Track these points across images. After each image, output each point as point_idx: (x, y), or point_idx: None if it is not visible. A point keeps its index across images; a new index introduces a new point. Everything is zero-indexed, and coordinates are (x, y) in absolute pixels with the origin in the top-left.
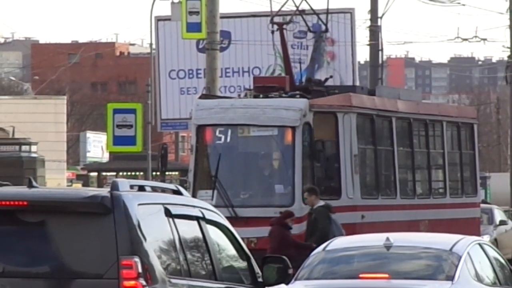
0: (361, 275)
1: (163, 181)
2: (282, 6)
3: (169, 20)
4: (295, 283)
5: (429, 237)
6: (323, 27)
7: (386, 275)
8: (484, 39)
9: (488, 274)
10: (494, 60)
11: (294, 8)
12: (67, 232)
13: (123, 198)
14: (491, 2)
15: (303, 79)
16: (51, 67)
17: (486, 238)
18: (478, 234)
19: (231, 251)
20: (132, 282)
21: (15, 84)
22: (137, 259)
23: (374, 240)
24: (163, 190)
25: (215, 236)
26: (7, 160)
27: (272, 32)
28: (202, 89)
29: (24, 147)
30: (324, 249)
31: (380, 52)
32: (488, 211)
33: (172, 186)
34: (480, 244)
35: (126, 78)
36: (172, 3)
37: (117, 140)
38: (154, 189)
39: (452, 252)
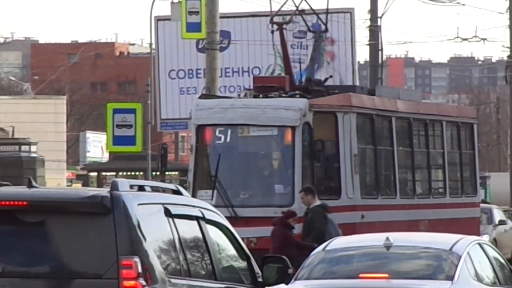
0: (361, 275)
1: (163, 181)
2: (282, 6)
3: (169, 20)
4: (295, 283)
5: (429, 237)
6: (323, 27)
7: (386, 275)
8: (484, 39)
9: (488, 274)
10: (494, 60)
11: (294, 8)
12: (67, 232)
13: (123, 198)
14: (491, 2)
15: (303, 79)
16: (50, 67)
17: (485, 238)
18: (478, 234)
19: (231, 251)
20: (132, 282)
21: (15, 84)
22: (137, 259)
23: (374, 240)
24: (163, 190)
25: (215, 236)
26: (6, 160)
27: (272, 32)
28: (202, 89)
29: (23, 147)
30: (324, 249)
31: (380, 52)
32: (488, 211)
33: (172, 186)
34: (480, 244)
35: (126, 78)
36: (172, 3)
37: (117, 140)
38: (154, 189)
39: (452, 252)
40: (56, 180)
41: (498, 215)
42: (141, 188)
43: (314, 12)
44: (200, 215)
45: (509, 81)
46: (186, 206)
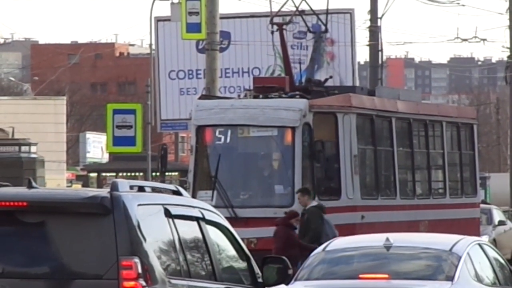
0: (361, 276)
1: (163, 181)
2: (282, 6)
3: (168, 20)
4: (295, 283)
5: (428, 238)
6: (323, 28)
7: (386, 276)
8: (484, 40)
9: (488, 274)
10: (493, 61)
11: (294, 9)
12: (67, 232)
13: (123, 198)
14: (491, 2)
15: (303, 80)
16: (50, 68)
17: (484, 239)
18: (477, 234)
19: (231, 251)
20: (132, 283)
21: (15, 85)
22: (137, 260)
23: (374, 240)
24: (163, 191)
25: (215, 236)
26: (6, 161)
27: (272, 32)
28: (202, 89)
29: (23, 148)
30: (324, 249)
31: (379, 53)
32: (487, 212)
33: (171, 187)
34: (480, 244)
35: (126, 78)
36: (172, 3)
37: (117, 141)
38: (154, 189)
39: (452, 253)
40: (56, 181)
41: (497, 215)
42: (141, 189)
43: (314, 12)
44: (200, 215)
45: (509, 81)
46: (186, 207)
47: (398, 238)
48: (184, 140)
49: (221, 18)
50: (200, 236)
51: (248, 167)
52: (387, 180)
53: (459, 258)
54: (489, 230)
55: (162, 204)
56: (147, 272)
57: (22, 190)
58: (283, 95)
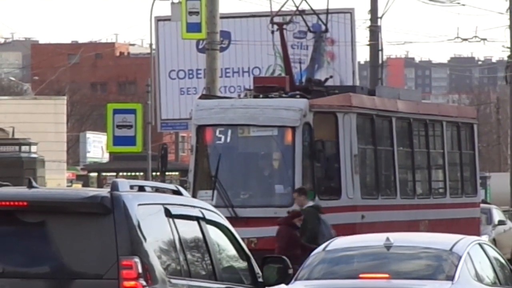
0: (361, 275)
1: (163, 181)
2: (282, 6)
3: (169, 20)
4: (295, 283)
5: (429, 237)
6: (323, 27)
7: (386, 275)
8: (484, 39)
9: (488, 274)
10: (494, 60)
11: (294, 8)
12: (67, 232)
13: (123, 198)
14: (491, 2)
15: (303, 79)
16: (50, 68)
17: (484, 238)
18: (478, 234)
19: (231, 251)
20: (132, 283)
21: (15, 85)
22: (137, 260)
23: (374, 240)
24: (163, 191)
25: (215, 236)
26: (7, 161)
27: (272, 32)
28: (202, 89)
29: (24, 148)
30: (324, 249)
31: (380, 52)
32: (487, 211)
33: (172, 187)
34: (480, 244)
35: (126, 78)
36: (172, 3)
37: (117, 141)
38: (154, 189)
39: (452, 252)
40: (56, 181)
41: (497, 215)
42: (141, 189)
43: (314, 12)
44: (200, 215)
45: (509, 81)
46: (186, 207)
47: (398, 238)
48: (185, 140)
49: (221, 17)
50: (200, 235)
51: (249, 166)
52: (387, 179)
53: (459, 257)
54: (489, 230)
55: (162, 204)
56: (147, 272)
57: (22, 190)
58: (283, 95)
